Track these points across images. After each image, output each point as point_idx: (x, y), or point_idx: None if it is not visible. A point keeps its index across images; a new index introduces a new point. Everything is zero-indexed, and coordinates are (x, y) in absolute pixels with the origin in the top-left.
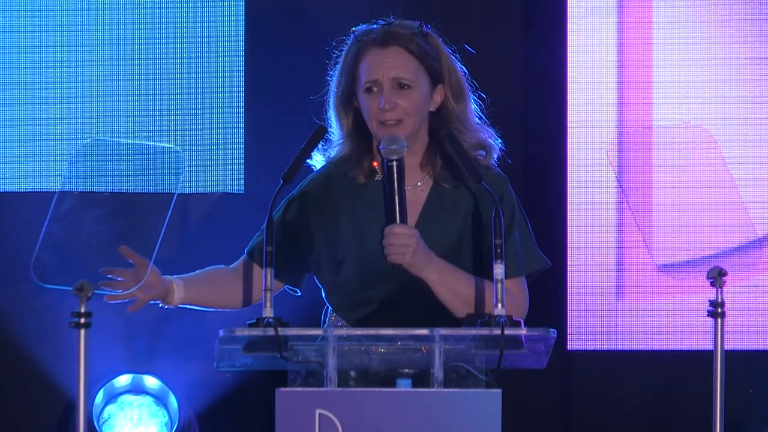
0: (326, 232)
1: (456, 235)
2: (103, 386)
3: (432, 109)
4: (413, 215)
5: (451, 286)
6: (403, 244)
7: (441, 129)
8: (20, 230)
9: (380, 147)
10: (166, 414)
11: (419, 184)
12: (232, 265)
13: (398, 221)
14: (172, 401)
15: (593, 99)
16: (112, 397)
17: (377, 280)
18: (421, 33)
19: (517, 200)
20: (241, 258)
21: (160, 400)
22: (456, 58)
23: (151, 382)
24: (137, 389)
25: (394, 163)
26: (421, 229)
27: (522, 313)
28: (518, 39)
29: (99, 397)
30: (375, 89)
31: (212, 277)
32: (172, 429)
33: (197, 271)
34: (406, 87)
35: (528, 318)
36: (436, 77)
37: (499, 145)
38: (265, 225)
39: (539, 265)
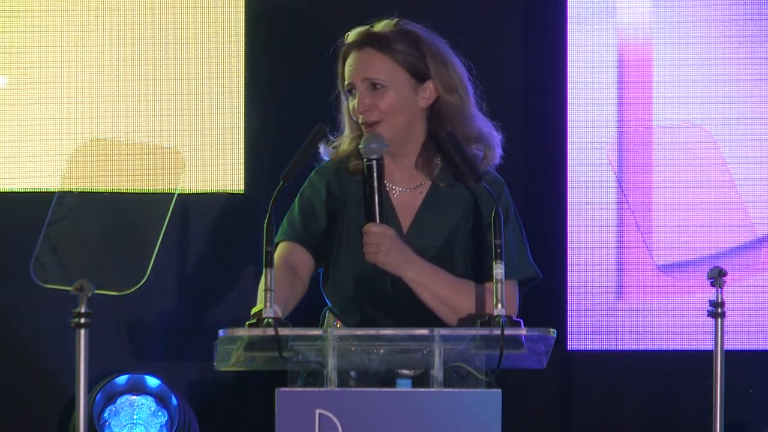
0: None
1: (448, 235)
2: (101, 386)
3: (424, 105)
4: (407, 217)
5: (430, 286)
6: (376, 243)
7: (440, 126)
8: (20, 230)
9: (360, 146)
10: (165, 414)
11: (418, 186)
12: (275, 264)
13: (377, 220)
14: (172, 401)
15: (593, 99)
16: (111, 397)
17: (372, 283)
18: (399, 31)
19: (514, 205)
20: (278, 250)
21: (160, 400)
22: (455, 52)
23: (151, 382)
24: (137, 389)
25: (374, 162)
26: (415, 231)
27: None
28: (518, 39)
29: (98, 398)
30: (354, 91)
31: (288, 286)
32: (172, 430)
33: (274, 287)
34: (380, 87)
35: (528, 318)
36: (420, 74)
37: (501, 139)
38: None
39: (531, 274)
